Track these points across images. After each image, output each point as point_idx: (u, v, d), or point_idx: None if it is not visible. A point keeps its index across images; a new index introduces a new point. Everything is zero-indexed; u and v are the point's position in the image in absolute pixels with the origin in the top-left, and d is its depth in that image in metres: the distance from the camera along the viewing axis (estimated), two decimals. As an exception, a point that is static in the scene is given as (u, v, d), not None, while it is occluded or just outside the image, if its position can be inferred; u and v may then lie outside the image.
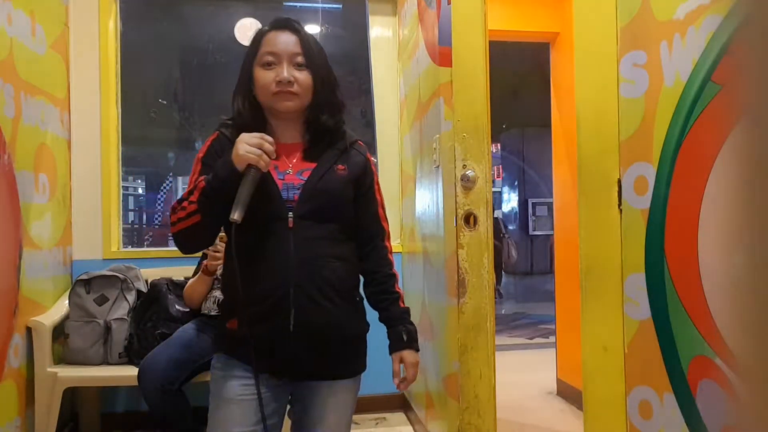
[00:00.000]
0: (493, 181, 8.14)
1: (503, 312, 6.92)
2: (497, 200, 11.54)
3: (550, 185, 3.67)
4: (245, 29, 3.48)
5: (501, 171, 11.64)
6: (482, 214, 1.82)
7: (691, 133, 1.14)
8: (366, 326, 1.40)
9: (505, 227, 8.79)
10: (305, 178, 1.28)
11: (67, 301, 2.55)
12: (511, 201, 11.51)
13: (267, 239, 1.26)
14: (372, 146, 3.42)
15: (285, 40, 1.30)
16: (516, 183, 11.22)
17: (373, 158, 1.41)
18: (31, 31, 2.37)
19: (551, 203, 4.12)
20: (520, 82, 7.14)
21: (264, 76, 1.29)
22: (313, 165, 1.30)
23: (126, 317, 2.52)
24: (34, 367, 2.35)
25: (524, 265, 11.02)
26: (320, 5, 3.66)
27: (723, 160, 1.04)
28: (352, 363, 1.37)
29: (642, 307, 1.30)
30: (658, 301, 1.25)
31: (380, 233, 1.42)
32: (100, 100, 2.92)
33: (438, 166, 2.30)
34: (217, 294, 2.32)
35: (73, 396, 2.70)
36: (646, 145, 1.28)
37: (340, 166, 1.32)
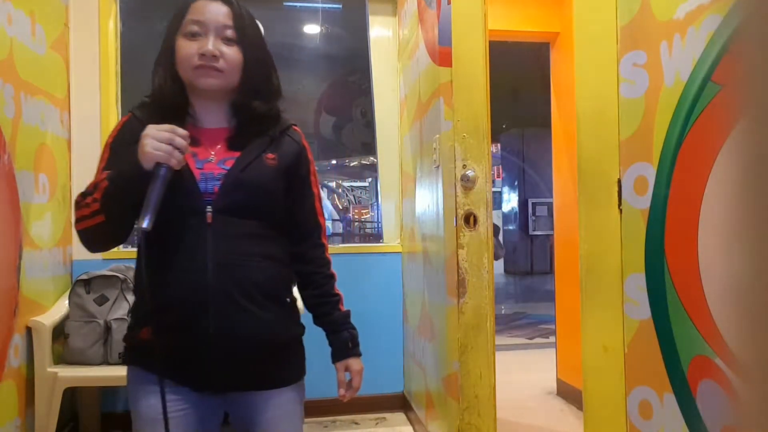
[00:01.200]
0: (493, 181, 8.13)
1: (503, 312, 6.93)
2: (497, 200, 11.53)
3: (550, 185, 3.67)
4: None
5: (501, 171, 11.64)
6: (482, 214, 1.82)
7: (691, 133, 1.14)
8: (300, 329, 1.27)
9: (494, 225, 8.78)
10: (228, 168, 1.14)
11: (67, 301, 2.55)
12: (511, 201, 11.51)
13: (182, 236, 1.11)
14: (372, 146, 3.42)
15: (214, 10, 1.15)
16: (516, 183, 11.22)
17: (308, 145, 1.27)
18: (31, 31, 2.37)
19: (551, 203, 4.12)
20: (520, 82, 7.14)
21: (186, 47, 1.13)
22: (239, 153, 1.16)
23: (126, 317, 2.52)
24: (34, 367, 2.35)
25: (524, 265, 11.03)
26: (320, 5, 3.66)
27: (723, 160, 1.04)
28: (287, 370, 1.24)
29: (642, 307, 1.30)
30: (658, 301, 1.25)
31: (317, 230, 1.28)
32: (100, 100, 2.92)
33: (438, 166, 2.30)
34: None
35: (73, 396, 2.70)
36: (646, 145, 1.28)
37: (269, 155, 1.17)
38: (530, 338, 5.30)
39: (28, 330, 2.35)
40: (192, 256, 1.10)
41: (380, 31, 3.37)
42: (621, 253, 1.37)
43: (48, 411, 2.32)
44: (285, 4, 3.74)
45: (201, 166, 1.13)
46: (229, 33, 1.15)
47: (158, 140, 1.04)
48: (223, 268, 1.10)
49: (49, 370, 2.35)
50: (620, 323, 1.37)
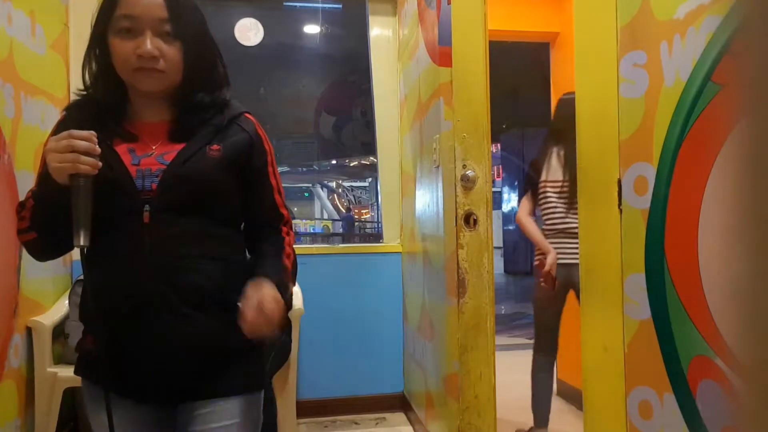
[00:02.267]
0: (493, 181, 8.14)
1: (503, 312, 6.92)
2: (497, 200, 11.53)
3: (550, 185, 3.66)
4: (245, 29, 3.48)
5: (501, 171, 11.63)
6: (482, 214, 1.82)
7: (691, 133, 1.14)
8: (247, 340, 1.11)
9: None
10: (167, 162, 1.05)
11: (67, 301, 2.55)
12: (511, 201, 11.51)
13: (117, 239, 1.03)
14: (372, 146, 3.42)
15: (146, 2, 1.04)
16: (516, 183, 11.21)
17: (265, 134, 1.17)
18: (31, 31, 2.37)
19: (551, 203, 4.11)
20: (520, 82, 7.14)
21: (121, 47, 1.04)
22: (181, 146, 1.07)
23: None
24: (34, 367, 2.35)
25: (524, 265, 11.02)
26: (320, 5, 3.66)
27: (723, 160, 1.04)
28: (233, 379, 1.11)
29: (642, 307, 1.30)
30: (658, 301, 1.25)
31: (279, 221, 1.18)
32: (100, 100, 2.92)
33: (438, 166, 2.30)
34: None
35: (73, 396, 2.70)
36: (646, 145, 1.28)
37: (213, 147, 1.08)
38: (530, 338, 5.29)
39: (28, 330, 2.34)
40: (128, 260, 1.02)
41: (380, 31, 3.36)
42: (621, 253, 1.37)
43: (48, 411, 2.32)
44: (285, 4, 3.74)
45: (137, 162, 1.05)
46: (167, 27, 1.04)
47: (59, 152, 0.96)
48: (160, 272, 1.02)
49: (49, 370, 2.35)
50: (620, 323, 1.37)
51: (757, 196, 0.32)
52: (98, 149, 0.98)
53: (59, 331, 2.49)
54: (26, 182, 2.28)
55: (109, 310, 1.03)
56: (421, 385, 2.73)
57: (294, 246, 1.20)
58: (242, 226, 1.19)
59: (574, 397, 3.13)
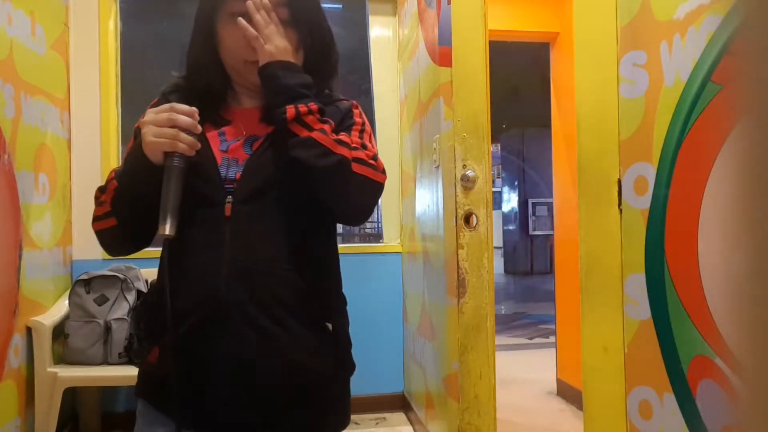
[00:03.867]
0: (493, 181, 8.14)
1: (503, 312, 6.92)
2: (497, 200, 11.54)
3: (550, 185, 3.67)
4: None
5: (501, 171, 11.64)
6: (482, 214, 1.82)
7: (691, 133, 1.14)
8: (345, 366, 1.01)
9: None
10: (253, 150, 0.94)
11: (67, 301, 2.55)
12: (511, 201, 11.51)
13: (194, 234, 0.90)
14: (372, 146, 3.42)
15: None
16: (516, 183, 11.22)
17: (360, 110, 1.06)
18: (31, 31, 2.37)
19: (551, 203, 4.12)
20: (520, 82, 7.14)
21: (232, 36, 0.95)
22: (271, 129, 0.95)
23: (126, 317, 2.52)
24: (34, 367, 2.35)
25: (524, 265, 11.03)
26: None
27: (723, 160, 1.03)
28: (311, 422, 0.96)
29: (642, 307, 1.30)
30: (658, 301, 1.25)
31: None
32: (100, 100, 2.92)
33: (438, 166, 2.30)
34: None
35: (73, 396, 2.70)
36: (646, 145, 1.28)
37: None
38: (530, 338, 5.30)
39: (28, 330, 2.34)
40: (205, 260, 0.89)
41: (380, 31, 3.37)
42: (621, 253, 1.37)
43: (48, 411, 2.32)
44: (285, 4, 3.74)
45: (226, 148, 0.95)
46: (282, 13, 0.95)
47: (158, 125, 0.87)
48: (240, 275, 0.88)
49: (49, 370, 2.35)
50: (620, 323, 1.37)
51: (757, 196, 0.32)
52: (200, 128, 0.90)
53: (59, 331, 2.49)
54: (26, 182, 2.28)
55: (180, 317, 0.89)
56: (421, 385, 2.73)
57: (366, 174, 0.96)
58: (336, 224, 1.05)
59: (574, 397, 3.13)
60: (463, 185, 1.80)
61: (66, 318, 2.51)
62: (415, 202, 2.80)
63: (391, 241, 3.28)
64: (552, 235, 3.99)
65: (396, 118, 3.30)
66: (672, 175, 1.20)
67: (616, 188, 1.39)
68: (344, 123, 1.02)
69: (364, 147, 0.99)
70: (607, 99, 1.39)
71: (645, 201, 1.29)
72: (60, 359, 2.51)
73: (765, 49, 0.31)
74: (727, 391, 1.05)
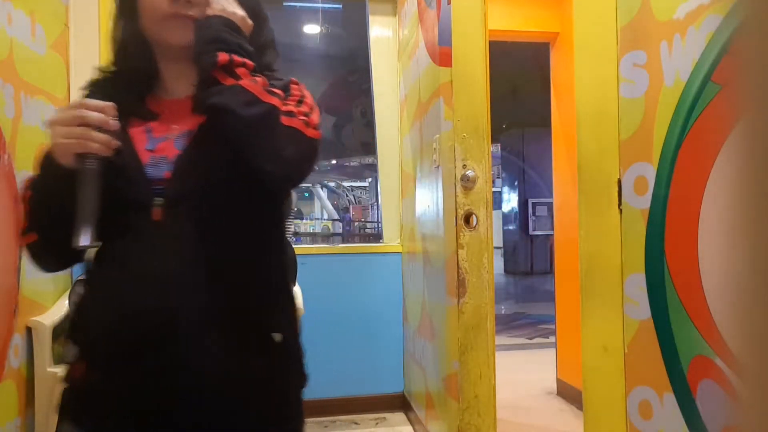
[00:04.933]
0: (493, 181, 8.14)
1: (503, 312, 6.93)
2: (497, 200, 11.54)
3: (550, 185, 3.67)
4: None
5: (501, 171, 11.64)
6: (482, 214, 1.82)
7: (691, 133, 1.14)
8: (298, 379, 0.95)
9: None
10: (186, 145, 0.85)
11: (67, 301, 2.55)
12: (511, 201, 11.51)
13: (120, 242, 0.81)
14: (372, 146, 3.42)
15: None
16: (516, 183, 11.22)
17: (296, 83, 0.94)
18: (31, 31, 2.37)
19: (551, 203, 4.12)
20: (520, 82, 7.14)
21: None
22: (203, 119, 0.85)
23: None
24: (34, 367, 2.35)
25: (524, 265, 11.03)
26: (320, 5, 3.66)
27: (723, 160, 1.04)
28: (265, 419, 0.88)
29: (642, 307, 1.30)
30: (658, 301, 1.25)
31: None
32: (100, 100, 2.92)
33: (438, 166, 2.30)
34: None
35: (73, 396, 2.70)
36: (646, 145, 1.28)
37: None
38: (530, 338, 5.30)
39: (28, 330, 2.34)
40: (134, 269, 0.80)
41: (380, 31, 3.37)
42: (621, 253, 1.37)
43: (48, 411, 2.32)
44: (285, 4, 3.74)
45: (153, 146, 0.85)
46: None
47: (66, 124, 0.78)
48: (173, 285, 0.79)
49: (49, 370, 2.35)
50: (620, 323, 1.37)
51: (757, 196, 0.32)
52: (115, 124, 0.80)
53: (59, 331, 2.49)
54: (26, 182, 2.28)
55: (110, 334, 0.80)
56: (421, 385, 2.73)
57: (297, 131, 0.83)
58: (282, 219, 0.95)
59: (574, 397, 3.13)
60: (463, 185, 1.80)
61: (66, 318, 2.51)
62: (415, 202, 2.80)
63: (391, 241, 3.28)
64: (552, 235, 3.99)
65: (396, 118, 3.30)
66: (672, 175, 1.20)
67: (616, 188, 1.39)
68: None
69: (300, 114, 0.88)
70: (607, 99, 1.39)
71: (645, 201, 1.29)
72: (60, 359, 2.51)
73: (765, 49, 0.31)
74: (727, 391, 1.05)
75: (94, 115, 0.78)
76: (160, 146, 0.85)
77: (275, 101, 0.83)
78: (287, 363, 0.93)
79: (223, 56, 0.82)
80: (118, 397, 0.81)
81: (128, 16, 0.90)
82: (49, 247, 0.85)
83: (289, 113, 0.84)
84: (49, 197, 0.81)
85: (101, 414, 0.82)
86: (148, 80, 0.92)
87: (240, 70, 0.82)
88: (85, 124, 0.78)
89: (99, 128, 0.79)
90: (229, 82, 0.81)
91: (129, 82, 0.90)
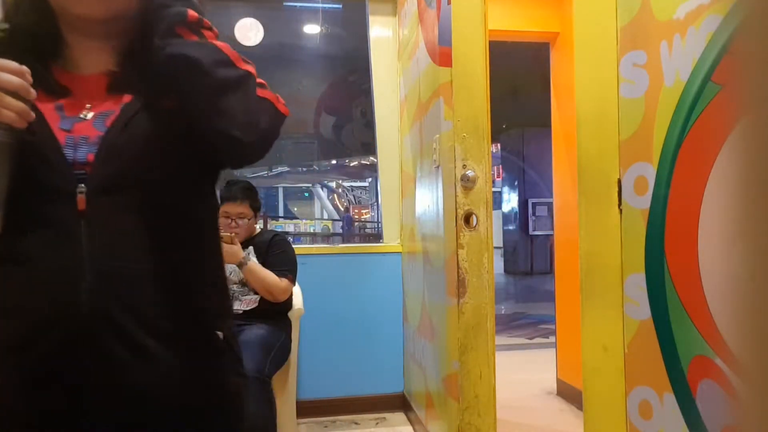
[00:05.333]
0: (493, 181, 8.14)
1: (503, 312, 6.93)
2: (497, 200, 11.54)
3: (550, 185, 3.67)
4: (245, 29, 3.48)
5: (501, 171, 11.64)
6: (482, 214, 1.82)
7: (691, 133, 1.14)
8: (237, 384, 0.84)
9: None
10: (108, 126, 0.74)
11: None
12: (511, 201, 11.51)
13: (38, 236, 0.70)
14: (372, 146, 3.42)
15: None
16: (516, 183, 11.22)
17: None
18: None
19: (551, 203, 4.12)
20: (520, 82, 7.14)
21: None
22: (124, 101, 0.76)
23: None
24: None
25: (524, 265, 11.03)
26: (320, 5, 3.66)
27: (723, 160, 1.04)
28: None
29: (642, 307, 1.30)
30: (658, 301, 1.25)
31: None
32: (100, 100, 2.92)
33: (438, 166, 2.30)
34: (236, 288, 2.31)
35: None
36: (646, 145, 1.28)
37: (167, 96, 0.76)
38: (530, 338, 5.30)
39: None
40: (57, 265, 0.70)
41: (380, 31, 3.37)
42: (621, 253, 1.37)
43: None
44: (285, 4, 3.74)
45: (69, 126, 0.74)
46: None
47: None
48: (104, 283, 0.70)
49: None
50: (620, 323, 1.37)
51: (757, 196, 0.32)
52: (33, 93, 0.68)
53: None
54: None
55: (25, 343, 0.69)
56: (421, 385, 2.73)
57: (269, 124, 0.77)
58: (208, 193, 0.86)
59: (574, 397, 3.13)
60: (463, 185, 1.80)
61: None
62: (415, 202, 2.80)
63: (391, 241, 3.28)
64: (552, 235, 3.99)
65: (396, 118, 3.30)
66: (672, 175, 1.20)
67: (616, 188, 1.39)
68: None
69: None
70: (607, 99, 1.39)
71: (645, 201, 1.29)
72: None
73: (765, 49, 0.31)
74: (727, 391, 1.05)
75: (11, 79, 0.66)
76: (77, 126, 0.74)
77: (251, 69, 0.77)
78: (232, 364, 0.84)
79: (192, 12, 0.74)
80: (48, 416, 0.71)
81: None
82: None
83: (262, 84, 0.77)
84: None
85: None
86: (52, 49, 0.79)
87: (207, 33, 0.75)
88: (4, 88, 0.66)
89: (14, 94, 0.66)
90: (194, 39, 0.74)
91: (28, 47, 0.76)
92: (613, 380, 1.38)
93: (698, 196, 1.11)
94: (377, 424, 2.95)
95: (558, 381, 3.42)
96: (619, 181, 1.38)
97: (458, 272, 1.82)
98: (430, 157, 2.43)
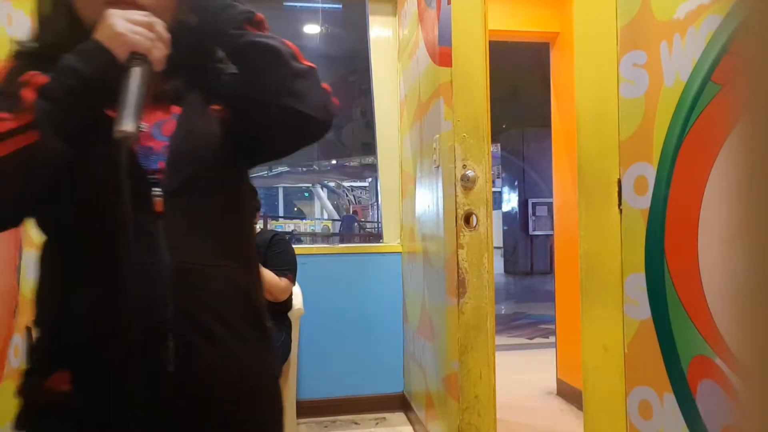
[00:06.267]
0: (493, 181, 8.14)
1: (503, 312, 6.93)
2: (497, 200, 11.54)
3: (550, 185, 3.67)
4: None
5: (501, 171, 11.64)
6: (482, 214, 1.82)
7: (691, 133, 1.14)
8: (276, 368, 0.96)
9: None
10: (167, 137, 0.81)
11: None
12: (511, 201, 11.51)
13: (113, 237, 0.75)
14: (372, 146, 3.42)
15: None
16: (516, 183, 11.22)
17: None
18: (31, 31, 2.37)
19: (551, 203, 4.12)
20: (520, 82, 7.14)
21: None
22: (177, 110, 0.83)
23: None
24: (34, 367, 2.35)
25: (524, 265, 11.03)
26: (320, 5, 3.66)
27: (723, 160, 1.04)
28: (269, 427, 0.90)
29: (642, 307, 1.30)
30: (658, 301, 1.25)
31: None
32: (100, 100, 2.92)
33: (438, 166, 2.30)
34: None
35: (73, 396, 2.70)
36: (646, 145, 1.28)
37: (215, 106, 0.85)
38: (530, 338, 5.30)
39: (28, 330, 2.34)
40: (138, 263, 0.75)
41: (380, 31, 3.37)
42: (621, 253, 1.37)
43: (48, 411, 2.32)
44: (285, 4, 3.73)
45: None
46: None
47: (136, 23, 0.74)
48: (183, 279, 0.77)
49: (49, 370, 2.35)
50: (620, 323, 1.37)
51: (757, 196, 0.32)
52: (160, 29, 0.77)
53: (59, 331, 2.50)
54: (26, 182, 2.28)
55: (116, 333, 0.75)
56: (421, 385, 2.73)
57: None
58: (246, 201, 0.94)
59: (574, 397, 3.13)
60: (463, 185, 1.80)
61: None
62: (415, 202, 2.80)
63: (391, 241, 3.28)
64: (552, 235, 3.99)
65: (396, 118, 3.30)
66: (672, 175, 1.20)
67: (616, 188, 1.39)
68: None
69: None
70: (607, 99, 1.39)
71: (645, 201, 1.29)
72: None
73: (765, 49, 0.31)
74: (727, 391, 1.05)
75: (161, 30, 0.77)
76: (140, 138, 0.79)
77: (313, 65, 0.85)
78: (274, 351, 0.96)
79: (258, 14, 0.83)
80: (111, 408, 0.76)
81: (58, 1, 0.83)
82: (43, 155, 0.71)
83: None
84: (86, 89, 0.73)
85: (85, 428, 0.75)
86: None
87: (267, 34, 0.84)
88: (153, 30, 0.76)
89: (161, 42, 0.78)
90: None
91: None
92: (613, 380, 1.38)
93: (698, 196, 1.11)
94: (377, 424, 2.95)
95: (558, 381, 3.42)
96: (619, 181, 1.38)
97: (458, 272, 1.82)
98: (430, 157, 2.43)
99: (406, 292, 3.11)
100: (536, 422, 2.92)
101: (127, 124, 0.70)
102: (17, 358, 2.25)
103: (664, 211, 1.23)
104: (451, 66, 1.84)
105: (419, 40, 2.64)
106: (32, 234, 2.36)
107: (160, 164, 0.79)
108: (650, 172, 1.28)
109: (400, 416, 3.05)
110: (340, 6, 3.77)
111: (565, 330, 3.40)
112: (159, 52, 0.76)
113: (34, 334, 0.85)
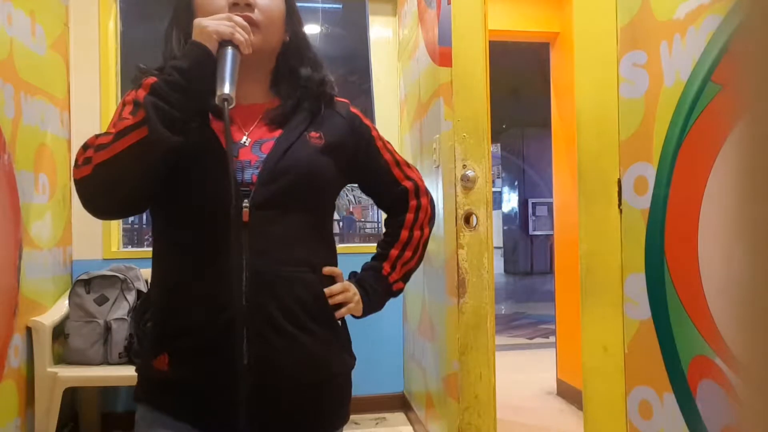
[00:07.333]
0: (493, 181, 8.14)
1: (503, 312, 6.93)
2: (497, 200, 11.54)
3: (550, 185, 3.67)
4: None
5: (501, 171, 11.64)
6: (482, 214, 1.82)
7: (691, 133, 1.14)
8: (351, 360, 1.03)
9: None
10: (264, 154, 0.92)
11: (67, 301, 2.55)
12: (511, 201, 11.51)
13: (208, 240, 0.89)
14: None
15: None
16: (516, 183, 11.22)
17: (357, 110, 1.08)
18: (31, 31, 2.37)
19: (551, 203, 4.12)
20: (520, 82, 7.14)
21: (210, 1, 0.93)
22: (278, 133, 0.95)
23: (126, 317, 2.52)
24: (34, 367, 2.35)
25: (524, 265, 11.03)
26: (320, 5, 3.66)
27: (723, 160, 1.04)
28: (329, 415, 0.99)
29: (642, 307, 1.30)
30: (658, 301, 1.25)
31: (401, 196, 1.10)
32: (100, 100, 2.92)
33: (438, 166, 2.30)
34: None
35: (73, 396, 2.70)
36: (646, 145, 1.28)
37: (313, 133, 0.96)
38: (530, 338, 5.30)
39: (28, 330, 2.34)
40: (223, 265, 0.87)
41: (380, 31, 3.37)
42: (621, 253, 1.37)
43: (48, 411, 2.32)
44: (285, 4, 3.73)
45: (236, 152, 0.91)
46: None
47: (218, 20, 0.88)
48: (261, 281, 0.88)
49: (49, 370, 2.35)
50: (620, 323, 1.37)
51: (757, 195, 0.32)
52: (250, 39, 0.91)
53: (59, 331, 2.49)
54: (26, 182, 2.28)
55: (196, 324, 0.88)
56: (421, 385, 2.73)
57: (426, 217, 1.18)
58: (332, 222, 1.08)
59: (574, 397, 3.13)
60: (463, 185, 1.80)
61: (66, 318, 2.51)
62: (415, 202, 2.80)
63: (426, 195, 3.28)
64: (552, 235, 3.99)
65: (396, 118, 3.30)
66: (672, 175, 1.20)
67: (616, 188, 1.39)
68: (356, 137, 1.04)
69: (396, 164, 1.10)
70: (607, 99, 1.39)
71: (645, 201, 1.29)
72: (60, 359, 2.51)
73: (765, 49, 0.31)
74: (727, 391, 1.05)
75: (240, 20, 0.89)
76: (241, 152, 0.93)
77: (421, 183, 1.16)
78: (349, 344, 1.05)
79: (399, 285, 1.30)
80: (199, 389, 0.89)
81: (181, 26, 0.97)
82: (151, 148, 0.83)
83: (424, 193, 1.17)
84: (188, 78, 0.85)
85: (181, 404, 0.90)
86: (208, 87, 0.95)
87: (399, 270, 1.33)
88: (233, 21, 0.89)
89: (242, 31, 0.90)
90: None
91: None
92: (613, 380, 1.38)
93: (698, 196, 1.11)
94: (377, 424, 2.95)
95: (558, 381, 3.42)
96: (619, 181, 1.38)
97: (458, 272, 1.82)
98: (430, 157, 2.43)
99: (406, 292, 3.11)
100: (536, 422, 2.91)
101: (225, 88, 0.85)
102: (17, 358, 2.25)
103: (664, 211, 1.23)
104: (451, 66, 1.84)
105: (419, 40, 2.64)
106: (32, 235, 2.36)
107: (253, 177, 0.90)
108: (650, 172, 1.28)
109: (400, 416, 3.05)
110: (340, 6, 3.77)
111: (565, 330, 3.40)
112: (240, 36, 0.88)
113: (149, 324, 0.97)
